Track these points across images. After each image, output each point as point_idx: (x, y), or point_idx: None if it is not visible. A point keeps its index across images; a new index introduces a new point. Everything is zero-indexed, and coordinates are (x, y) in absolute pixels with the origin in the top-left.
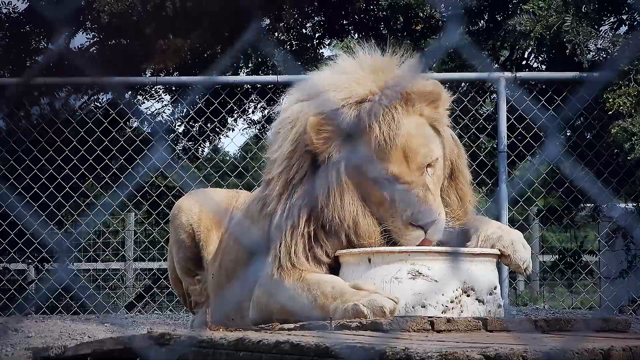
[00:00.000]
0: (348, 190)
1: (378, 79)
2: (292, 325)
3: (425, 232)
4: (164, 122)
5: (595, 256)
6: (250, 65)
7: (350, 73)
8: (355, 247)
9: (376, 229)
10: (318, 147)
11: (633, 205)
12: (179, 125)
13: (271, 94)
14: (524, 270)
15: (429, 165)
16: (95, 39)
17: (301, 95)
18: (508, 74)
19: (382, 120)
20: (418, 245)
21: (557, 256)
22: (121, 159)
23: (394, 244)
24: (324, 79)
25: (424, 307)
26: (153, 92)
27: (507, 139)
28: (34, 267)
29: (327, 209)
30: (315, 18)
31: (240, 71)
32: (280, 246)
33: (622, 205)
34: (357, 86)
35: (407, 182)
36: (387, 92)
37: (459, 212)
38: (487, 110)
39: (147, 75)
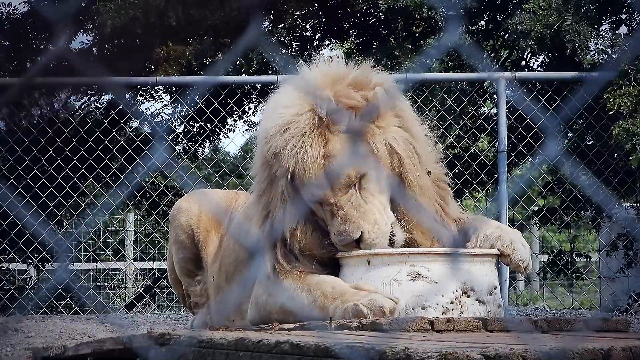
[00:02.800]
0: (290, 203)
1: (308, 100)
2: (292, 326)
3: (359, 247)
4: (164, 122)
5: (595, 256)
6: (252, 69)
7: (289, 94)
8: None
9: (315, 242)
10: (271, 163)
11: (633, 206)
12: (179, 126)
13: (271, 94)
14: (524, 269)
15: (354, 182)
16: (96, 41)
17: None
18: (508, 74)
19: (294, 154)
20: None
21: (554, 255)
22: (121, 159)
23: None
24: (273, 99)
25: (424, 308)
26: (153, 92)
27: (507, 139)
28: (34, 267)
29: (275, 222)
30: (316, 19)
31: (241, 71)
32: (267, 252)
33: (624, 205)
34: (285, 111)
35: (331, 203)
36: (308, 115)
37: (416, 221)
38: (487, 111)
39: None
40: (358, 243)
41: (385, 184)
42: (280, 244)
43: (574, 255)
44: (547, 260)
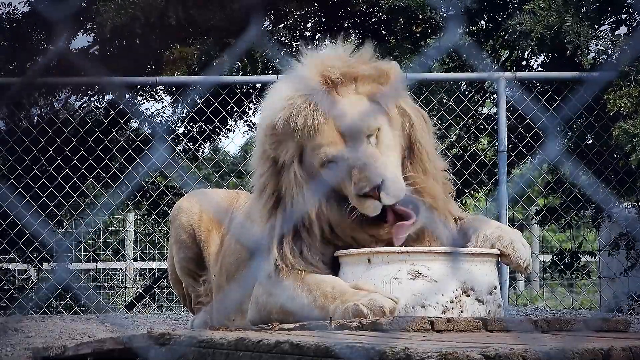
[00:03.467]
0: (306, 186)
1: (318, 73)
2: (292, 325)
3: (379, 200)
4: (164, 122)
5: (595, 256)
6: (258, 69)
7: (296, 77)
8: (333, 241)
9: (344, 218)
10: (273, 152)
11: (633, 206)
12: (179, 126)
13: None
14: (524, 269)
15: (370, 135)
16: (97, 39)
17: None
18: (508, 74)
19: (304, 109)
20: (380, 217)
21: (555, 255)
22: (121, 159)
23: (367, 227)
24: (275, 86)
25: (424, 307)
26: (153, 93)
27: (507, 139)
28: (34, 267)
29: (295, 209)
30: (316, 19)
31: (246, 71)
32: (273, 248)
33: (624, 205)
34: (295, 88)
35: (346, 158)
36: (317, 79)
37: (425, 186)
38: (487, 111)
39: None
40: (379, 192)
41: (398, 143)
42: (290, 237)
43: (579, 254)
44: (551, 260)
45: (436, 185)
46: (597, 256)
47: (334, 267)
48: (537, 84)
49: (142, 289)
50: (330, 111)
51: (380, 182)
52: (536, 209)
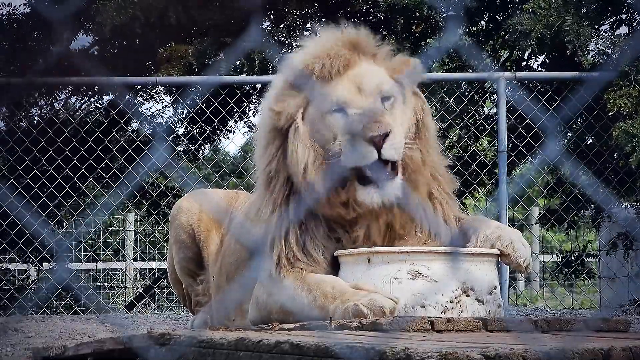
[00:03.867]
0: (303, 138)
1: (339, 38)
2: (292, 325)
3: (379, 151)
4: (164, 122)
5: (596, 257)
6: (255, 69)
7: (313, 42)
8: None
9: (324, 181)
10: (279, 115)
11: (632, 206)
12: (180, 127)
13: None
14: (524, 268)
15: (385, 98)
16: (96, 40)
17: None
18: (508, 74)
19: (326, 58)
20: (373, 166)
21: (559, 258)
22: (121, 159)
23: (347, 202)
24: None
25: (424, 307)
26: (153, 93)
27: (507, 139)
28: (34, 267)
29: (291, 163)
30: (316, 19)
31: (244, 70)
32: (274, 242)
33: (624, 205)
34: (313, 50)
35: (359, 105)
36: (338, 39)
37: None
38: (487, 111)
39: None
40: (383, 142)
41: (407, 121)
42: (297, 229)
43: (583, 257)
44: (555, 263)
45: (436, 172)
46: (597, 257)
47: (334, 267)
48: (537, 84)
49: (142, 289)
50: (349, 68)
51: (388, 130)
52: (538, 211)
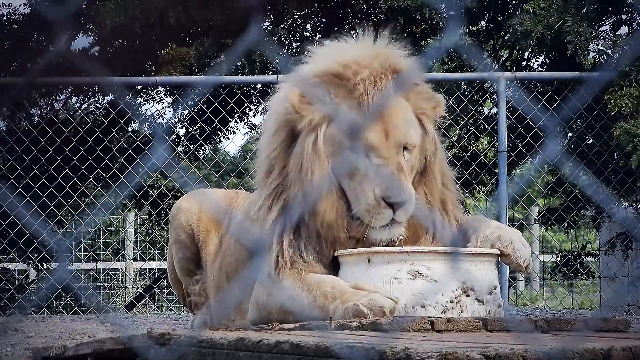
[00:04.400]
0: (321, 160)
1: (379, 59)
2: (292, 325)
3: (394, 212)
4: (164, 123)
5: (596, 257)
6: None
7: (348, 47)
8: (319, 235)
9: (341, 218)
10: (299, 113)
11: (631, 206)
12: (180, 128)
13: (272, 94)
14: (524, 268)
15: (405, 148)
16: (96, 41)
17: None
18: (508, 74)
19: (369, 84)
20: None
21: (558, 257)
22: (121, 159)
23: (358, 239)
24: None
25: (424, 307)
26: (154, 94)
27: (507, 139)
28: (34, 267)
29: (299, 180)
30: (316, 20)
31: (244, 71)
32: (272, 243)
33: (624, 205)
34: (352, 53)
35: (383, 156)
36: (374, 64)
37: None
38: (487, 111)
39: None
40: (398, 208)
41: (417, 163)
42: (291, 231)
43: (583, 256)
44: (555, 262)
45: (445, 199)
46: (597, 257)
47: (334, 267)
48: (537, 84)
49: (142, 289)
50: (384, 100)
51: (404, 200)
52: (537, 211)
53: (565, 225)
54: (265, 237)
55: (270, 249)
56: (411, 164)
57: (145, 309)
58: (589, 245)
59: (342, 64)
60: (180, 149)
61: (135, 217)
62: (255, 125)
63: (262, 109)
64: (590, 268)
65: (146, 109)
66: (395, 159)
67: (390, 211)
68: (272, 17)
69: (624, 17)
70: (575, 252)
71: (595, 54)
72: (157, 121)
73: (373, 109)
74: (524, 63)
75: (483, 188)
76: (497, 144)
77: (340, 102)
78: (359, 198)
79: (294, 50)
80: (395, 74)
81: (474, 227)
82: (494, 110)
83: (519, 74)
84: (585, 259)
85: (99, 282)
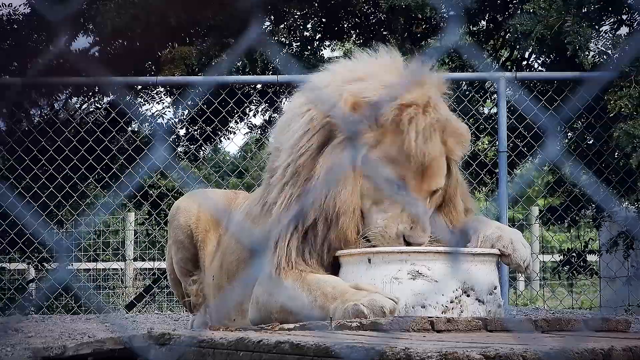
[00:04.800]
0: (357, 177)
1: (422, 90)
2: (292, 325)
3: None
4: (164, 123)
5: (597, 253)
6: (258, 69)
7: (392, 71)
8: (329, 241)
9: (353, 232)
10: (347, 122)
11: (632, 204)
12: (180, 128)
13: (272, 94)
14: (525, 269)
15: (433, 192)
16: (96, 41)
17: (324, 82)
18: (508, 74)
19: (419, 131)
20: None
21: (560, 257)
22: (121, 159)
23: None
24: (356, 69)
25: (424, 307)
26: (154, 94)
27: (507, 139)
28: (34, 267)
29: (325, 188)
30: (316, 20)
31: (246, 71)
32: (277, 242)
33: (623, 204)
34: (402, 87)
35: (414, 197)
36: (429, 109)
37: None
38: (487, 110)
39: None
40: (411, 243)
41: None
42: (304, 229)
43: (585, 255)
44: (557, 262)
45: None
46: (598, 256)
47: (334, 267)
48: (537, 84)
49: (142, 289)
50: (431, 148)
51: (423, 242)
52: (538, 210)
53: (566, 225)
54: (271, 236)
55: (275, 249)
56: (436, 202)
57: (145, 309)
58: (590, 242)
59: (397, 105)
60: (180, 149)
61: (135, 217)
62: (255, 126)
63: (262, 109)
64: (592, 266)
65: (146, 109)
66: (424, 202)
67: (405, 243)
68: (272, 17)
69: (624, 17)
70: (577, 251)
71: (595, 54)
72: (157, 121)
73: (418, 157)
74: (524, 63)
75: (483, 188)
76: (497, 144)
77: (387, 132)
78: (378, 224)
79: (294, 51)
80: (442, 126)
81: (474, 227)
82: (494, 110)
83: (519, 74)
84: (587, 258)
85: (99, 282)
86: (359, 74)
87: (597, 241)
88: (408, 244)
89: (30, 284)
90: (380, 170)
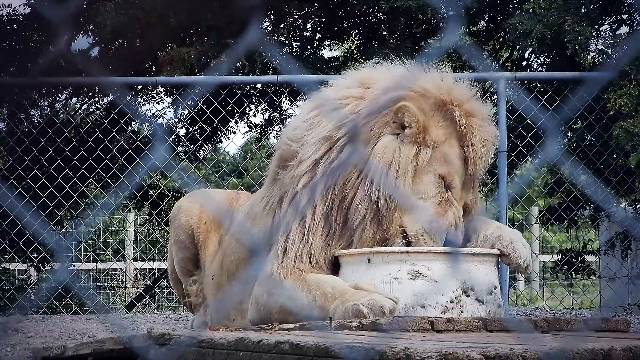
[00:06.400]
0: (409, 173)
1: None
2: (292, 325)
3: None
4: (164, 123)
5: (596, 256)
6: (257, 70)
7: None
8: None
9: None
10: (414, 119)
11: (630, 205)
12: (180, 128)
13: (271, 94)
14: (524, 269)
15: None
16: (96, 41)
17: (359, 80)
18: (508, 74)
19: (484, 141)
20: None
21: (558, 257)
22: (121, 160)
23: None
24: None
25: (424, 307)
26: (154, 94)
27: (507, 139)
28: (34, 267)
29: (386, 180)
30: (316, 20)
31: (245, 71)
32: (287, 239)
33: (623, 204)
34: (463, 96)
35: (455, 197)
36: (490, 122)
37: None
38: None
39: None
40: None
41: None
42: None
43: (584, 255)
44: (556, 262)
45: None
46: (597, 256)
47: (334, 267)
48: (537, 84)
49: (142, 289)
50: (486, 150)
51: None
52: (537, 211)
53: (565, 225)
54: (271, 234)
55: (282, 249)
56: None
57: (145, 309)
58: (590, 243)
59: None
60: (180, 149)
61: (135, 217)
62: (255, 125)
63: (262, 109)
64: (591, 266)
65: (146, 109)
66: (460, 208)
67: (439, 244)
68: (272, 17)
69: (624, 16)
70: (576, 252)
71: (595, 53)
72: (157, 121)
73: (476, 164)
74: (524, 63)
75: (483, 188)
76: (497, 144)
77: (449, 134)
78: (419, 219)
79: (294, 50)
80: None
81: (474, 227)
82: (494, 110)
83: (519, 74)
84: (586, 258)
85: (99, 282)
86: (409, 78)
87: (597, 241)
88: (408, 244)
89: (31, 284)
90: (437, 167)
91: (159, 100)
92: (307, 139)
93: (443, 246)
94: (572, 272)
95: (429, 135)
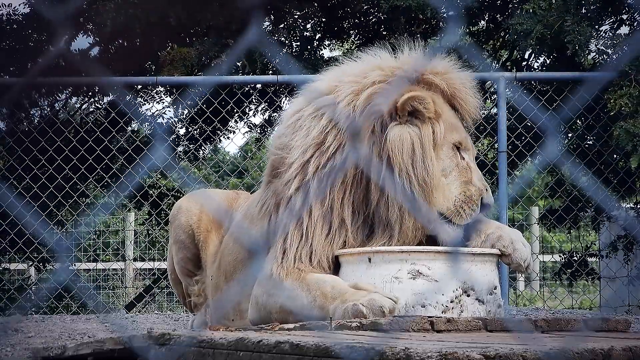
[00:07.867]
0: (431, 152)
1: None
2: (292, 325)
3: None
4: (164, 123)
5: (597, 256)
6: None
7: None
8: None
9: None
10: (425, 105)
11: (632, 208)
12: (180, 128)
13: (271, 94)
14: (525, 268)
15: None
16: (96, 41)
17: (346, 74)
18: (508, 74)
19: (469, 88)
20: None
21: (560, 258)
22: (121, 159)
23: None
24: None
25: (424, 307)
26: (154, 94)
27: (507, 139)
28: (34, 267)
29: (414, 167)
30: (316, 19)
31: (245, 71)
32: (286, 240)
33: (623, 205)
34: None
35: (470, 159)
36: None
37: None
38: (487, 110)
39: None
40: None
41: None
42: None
43: (587, 258)
44: (558, 264)
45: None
46: (597, 257)
47: (334, 267)
48: (537, 84)
49: (142, 289)
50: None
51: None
52: (538, 211)
53: (566, 225)
54: (272, 233)
55: (281, 250)
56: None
57: (145, 309)
58: (592, 246)
59: (455, 91)
60: (180, 148)
61: (135, 217)
62: (255, 125)
63: (262, 109)
64: (592, 268)
65: (146, 109)
66: (477, 168)
67: (477, 210)
68: (272, 17)
69: (624, 17)
70: (579, 254)
71: (595, 54)
72: (157, 121)
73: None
74: (524, 63)
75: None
76: (497, 144)
77: (442, 103)
78: (450, 193)
79: (293, 50)
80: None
81: (474, 226)
82: (494, 110)
83: (519, 74)
84: (588, 260)
85: (99, 282)
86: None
87: (598, 242)
88: (449, 221)
89: (31, 284)
90: (449, 138)
91: (159, 100)
92: (292, 144)
93: (479, 212)
94: (573, 275)
95: (437, 111)
